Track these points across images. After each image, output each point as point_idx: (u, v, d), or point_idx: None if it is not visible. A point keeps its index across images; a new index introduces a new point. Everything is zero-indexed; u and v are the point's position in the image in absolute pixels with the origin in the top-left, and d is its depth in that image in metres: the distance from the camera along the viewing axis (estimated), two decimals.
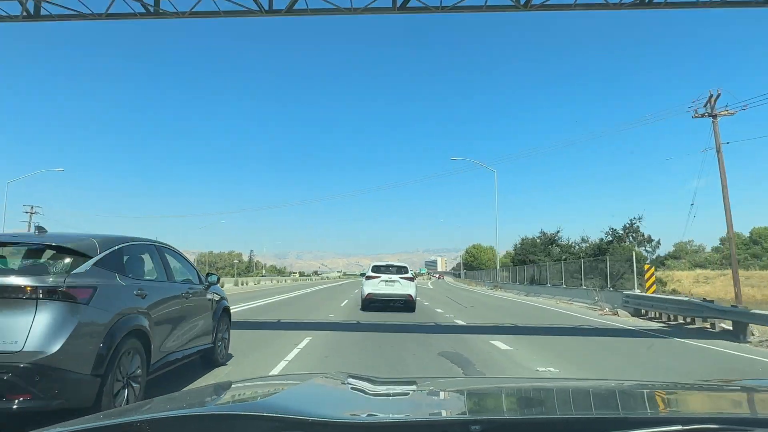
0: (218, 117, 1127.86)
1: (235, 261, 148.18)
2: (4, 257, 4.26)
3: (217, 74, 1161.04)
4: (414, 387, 2.05)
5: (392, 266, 17.46)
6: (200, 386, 1.92)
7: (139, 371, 4.36)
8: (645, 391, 2.00)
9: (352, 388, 1.90)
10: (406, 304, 16.60)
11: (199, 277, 6.40)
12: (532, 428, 1.30)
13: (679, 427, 1.18)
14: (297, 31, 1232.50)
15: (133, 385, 4.28)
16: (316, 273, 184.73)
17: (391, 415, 1.42)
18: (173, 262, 5.76)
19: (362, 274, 18.78)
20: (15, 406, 3.42)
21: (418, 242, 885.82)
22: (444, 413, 1.57)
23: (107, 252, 4.36)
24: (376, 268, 17.09)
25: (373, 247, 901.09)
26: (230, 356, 7.39)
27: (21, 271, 3.96)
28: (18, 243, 4.48)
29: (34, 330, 3.53)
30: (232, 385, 2.00)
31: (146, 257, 5.22)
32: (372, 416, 1.35)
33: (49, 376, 3.50)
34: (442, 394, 1.90)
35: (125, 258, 4.70)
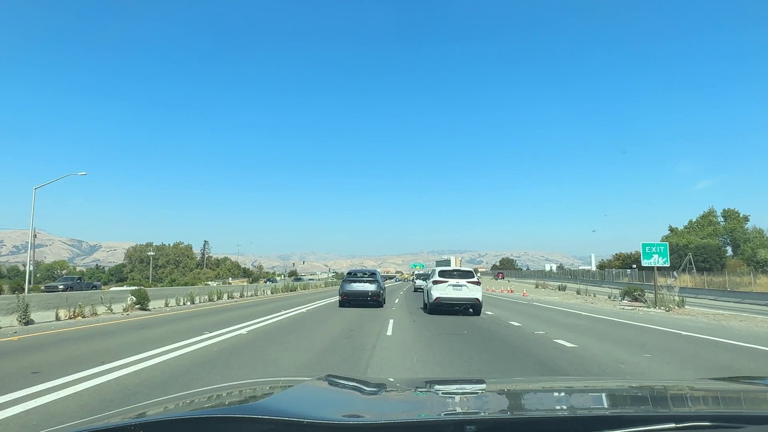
0: (220, 115, 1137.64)
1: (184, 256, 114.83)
2: (364, 273, 22.65)
3: (221, 72, 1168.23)
4: (408, 388, 2.09)
5: (458, 270, 18.70)
6: (196, 390, 1.91)
7: (384, 299, 22.44)
8: (639, 388, 2.04)
9: (347, 390, 1.94)
10: (474, 307, 17.48)
11: (382, 277, 24.58)
12: (526, 427, 1.32)
13: (673, 425, 1.19)
14: (303, 33, 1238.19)
15: (384, 302, 22.32)
16: (294, 275, 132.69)
17: (385, 416, 1.43)
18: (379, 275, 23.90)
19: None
20: (375, 299, 21.22)
21: (422, 244, 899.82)
22: (439, 413, 1.58)
23: (376, 272, 22.83)
24: (443, 273, 18.15)
25: (377, 249, 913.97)
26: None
27: (369, 277, 22.05)
28: (367, 271, 23.21)
29: (378, 287, 21.57)
30: (227, 388, 2.06)
31: (378, 274, 23.30)
32: (366, 417, 1.37)
33: (378, 295, 21.24)
34: (437, 394, 1.97)
35: (378, 274, 22.93)
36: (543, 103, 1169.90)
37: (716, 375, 6.67)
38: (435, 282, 17.70)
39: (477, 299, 17.34)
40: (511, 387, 2.27)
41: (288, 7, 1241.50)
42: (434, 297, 17.40)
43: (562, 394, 2.03)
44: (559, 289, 48.91)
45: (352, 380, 2.09)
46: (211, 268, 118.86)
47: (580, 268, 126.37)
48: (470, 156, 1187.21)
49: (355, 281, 21.37)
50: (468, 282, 17.43)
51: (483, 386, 2.29)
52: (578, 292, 41.60)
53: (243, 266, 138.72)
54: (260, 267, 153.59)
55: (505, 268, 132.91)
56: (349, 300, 21.01)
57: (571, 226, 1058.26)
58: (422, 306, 20.86)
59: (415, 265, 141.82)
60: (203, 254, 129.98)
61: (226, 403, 1.76)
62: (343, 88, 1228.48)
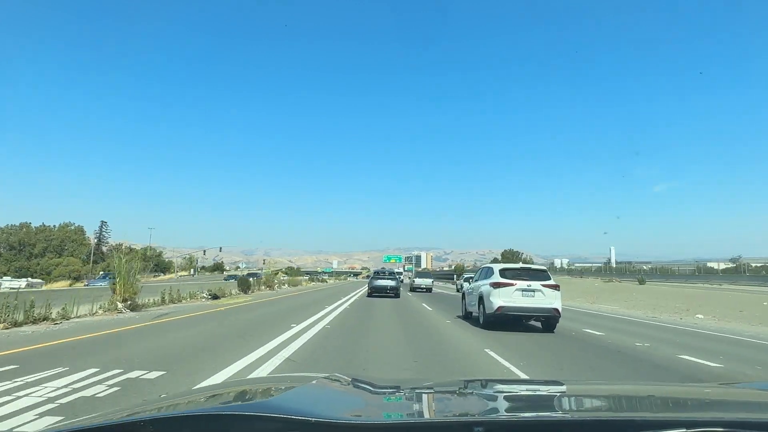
0: (220, 115, 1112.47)
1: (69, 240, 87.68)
2: (384, 272, 32.46)
3: (221, 72, 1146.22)
4: (416, 388, 2.00)
5: (527, 269, 14.13)
6: (203, 386, 1.70)
7: (400, 292, 30.90)
8: (648, 392, 2.01)
9: (354, 390, 1.90)
10: (549, 321, 13.05)
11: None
12: (534, 429, 1.31)
13: (683, 430, 1.18)
14: (303, 33, 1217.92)
15: (398, 291, 30.15)
16: (219, 269, 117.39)
17: (393, 416, 1.42)
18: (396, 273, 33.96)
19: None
20: (393, 292, 29.56)
21: (387, 241, 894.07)
22: (447, 414, 1.58)
23: (394, 272, 33.95)
24: (506, 272, 13.42)
25: (343, 245, 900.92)
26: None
27: (389, 275, 31.87)
28: (388, 270, 34.07)
29: (397, 283, 30.31)
30: (235, 385, 2.10)
31: (396, 273, 34.29)
32: (373, 417, 1.37)
33: (396, 288, 29.58)
34: (444, 395, 1.90)
35: (396, 273, 33.36)
36: (537, 104, 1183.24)
37: None
38: (495, 285, 13.01)
39: (556, 309, 12.82)
40: (518, 388, 2.17)
41: (288, 7, 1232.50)
42: (496, 305, 12.75)
43: (570, 396, 1.95)
44: None
45: (362, 380, 1.99)
46: (114, 257, 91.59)
47: (582, 264, 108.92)
48: (444, 157, 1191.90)
49: (379, 278, 29.75)
50: (543, 286, 12.90)
51: (491, 387, 2.14)
52: None
53: (166, 258, 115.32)
54: (191, 259, 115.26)
55: (509, 262, 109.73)
56: (372, 293, 28.57)
57: (534, 226, 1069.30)
58: (462, 314, 16.41)
59: (388, 258, 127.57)
60: (100, 240, 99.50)
61: (234, 400, 1.71)
62: (344, 89, 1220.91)
